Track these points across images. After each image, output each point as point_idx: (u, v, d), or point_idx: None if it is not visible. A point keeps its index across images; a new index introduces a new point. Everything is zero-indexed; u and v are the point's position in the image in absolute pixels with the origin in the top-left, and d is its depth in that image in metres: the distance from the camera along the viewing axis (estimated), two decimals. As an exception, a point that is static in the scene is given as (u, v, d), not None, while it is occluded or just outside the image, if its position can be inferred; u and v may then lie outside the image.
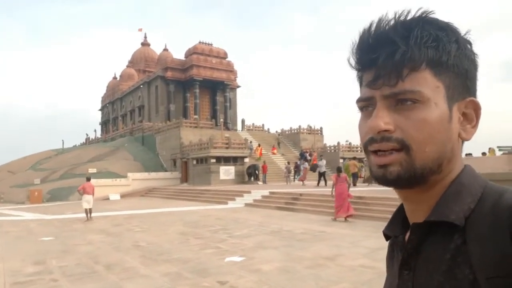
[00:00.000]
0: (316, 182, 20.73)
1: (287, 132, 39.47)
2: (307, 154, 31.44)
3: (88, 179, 13.93)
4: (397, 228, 0.64)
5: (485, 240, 0.50)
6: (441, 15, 0.58)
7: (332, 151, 32.10)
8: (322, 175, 20.54)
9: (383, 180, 0.56)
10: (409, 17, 0.57)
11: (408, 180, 0.55)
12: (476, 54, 0.59)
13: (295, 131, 38.48)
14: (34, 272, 6.00)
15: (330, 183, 19.36)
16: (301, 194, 15.39)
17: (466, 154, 14.36)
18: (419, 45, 0.54)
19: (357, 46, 0.59)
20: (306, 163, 23.36)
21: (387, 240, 0.69)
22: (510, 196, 0.52)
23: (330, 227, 9.68)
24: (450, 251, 0.53)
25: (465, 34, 0.58)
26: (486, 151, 17.79)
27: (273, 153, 32.97)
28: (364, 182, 20.13)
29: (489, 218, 0.51)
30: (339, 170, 11.35)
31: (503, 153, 17.89)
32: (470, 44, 0.59)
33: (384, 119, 0.55)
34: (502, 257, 0.48)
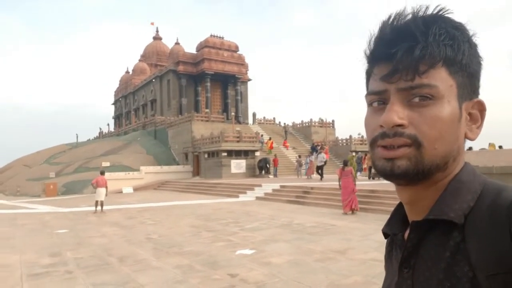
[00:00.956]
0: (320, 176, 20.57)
1: (298, 126, 39.29)
2: (319, 148, 31.34)
3: (102, 173, 14.18)
4: (396, 226, 0.64)
5: (485, 238, 0.50)
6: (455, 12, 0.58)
7: (344, 144, 31.90)
8: (319, 168, 20.44)
9: (389, 174, 0.56)
10: (426, 14, 0.57)
11: (415, 175, 0.55)
12: (481, 57, 0.60)
13: (307, 124, 38.28)
14: (49, 264, 6.13)
15: (329, 176, 19.30)
16: (312, 188, 15.37)
17: (468, 148, 14.16)
18: (438, 41, 0.54)
19: (376, 39, 0.59)
20: (312, 156, 23.24)
21: (386, 238, 0.69)
22: (509, 194, 0.52)
23: (341, 221, 9.66)
24: (449, 248, 0.53)
25: (472, 36, 0.58)
26: (486, 146, 17.50)
27: (285, 146, 32.85)
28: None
29: (488, 215, 0.51)
30: (344, 163, 11.38)
31: None
32: (477, 46, 0.59)
33: (398, 114, 0.54)
34: (502, 254, 0.48)
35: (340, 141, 33.23)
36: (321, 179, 19.73)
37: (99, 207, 13.64)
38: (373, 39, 0.59)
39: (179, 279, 5.06)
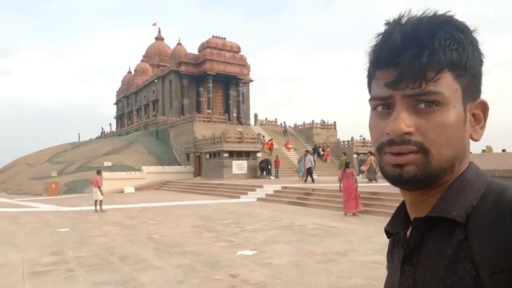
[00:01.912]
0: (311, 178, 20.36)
1: (300, 127, 39.26)
2: (320, 149, 31.28)
3: (97, 172, 14.28)
4: (398, 224, 0.65)
5: (488, 236, 0.50)
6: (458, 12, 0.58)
7: (346, 146, 31.86)
8: (308, 171, 20.37)
9: (398, 180, 0.56)
10: (431, 17, 0.56)
11: (424, 181, 0.55)
12: (483, 54, 0.59)
13: (308, 125, 38.26)
14: (51, 262, 6.15)
15: (330, 178, 19.12)
16: (313, 189, 15.35)
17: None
18: (444, 47, 0.54)
19: (380, 45, 0.58)
20: (307, 158, 23.21)
21: (388, 237, 0.69)
22: None
23: (342, 223, 9.65)
24: (451, 246, 0.53)
25: (473, 32, 0.57)
26: (484, 148, 17.50)
27: (287, 148, 32.79)
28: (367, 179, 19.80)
29: (492, 213, 0.52)
30: (346, 165, 11.45)
31: None
32: (479, 43, 0.58)
33: (405, 122, 0.54)
34: (505, 252, 0.48)
35: (342, 143, 33.18)
36: (311, 181, 19.58)
37: (98, 206, 13.70)
38: (377, 43, 0.58)
39: (180, 279, 5.07)
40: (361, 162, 23.60)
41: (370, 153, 18.62)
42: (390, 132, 0.55)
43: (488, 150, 16.04)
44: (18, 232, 9.45)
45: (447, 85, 0.54)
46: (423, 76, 0.53)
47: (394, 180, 0.56)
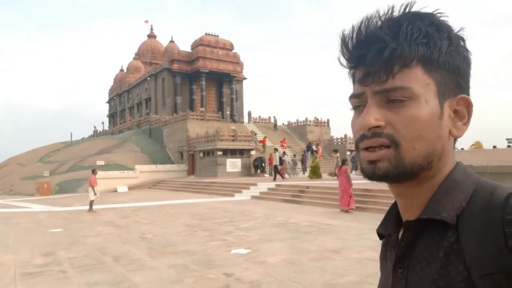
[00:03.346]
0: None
1: (293, 125, 39.36)
2: (314, 146, 31.38)
3: (92, 172, 14.21)
4: (390, 226, 0.64)
5: (478, 237, 0.50)
6: (450, 9, 0.57)
7: (339, 143, 31.99)
8: (274, 168, 20.65)
9: (372, 176, 0.57)
10: (400, 12, 0.56)
11: (396, 176, 0.55)
12: (469, 51, 0.59)
13: (302, 123, 38.36)
14: (43, 264, 6.09)
15: (324, 175, 19.42)
16: (307, 187, 15.40)
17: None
18: (409, 41, 0.54)
19: (345, 44, 0.59)
20: (286, 156, 23.54)
21: (381, 239, 0.69)
22: (502, 192, 0.51)
23: (336, 220, 9.68)
24: (443, 248, 0.53)
25: (458, 31, 0.58)
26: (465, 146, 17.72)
27: (283, 146, 32.75)
28: (329, 175, 20.17)
29: (482, 214, 0.51)
30: (342, 162, 11.57)
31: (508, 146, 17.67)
32: (464, 40, 0.58)
33: (374, 116, 0.55)
34: (496, 253, 0.48)
35: (335, 140, 33.32)
36: (274, 179, 19.93)
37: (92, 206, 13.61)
38: (343, 44, 0.59)
39: (174, 279, 5.05)
40: (354, 159, 23.80)
41: (335, 151, 19.53)
42: (360, 126, 0.56)
43: (477, 146, 16.16)
44: (9, 233, 9.35)
45: (416, 79, 0.54)
46: (388, 71, 0.54)
47: (368, 176, 0.57)
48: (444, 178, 0.57)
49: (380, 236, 0.68)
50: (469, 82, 0.59)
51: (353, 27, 0.58)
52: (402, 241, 0.58)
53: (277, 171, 20.50)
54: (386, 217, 0.66)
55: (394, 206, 0.65)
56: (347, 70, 0.63)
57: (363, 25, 0.57)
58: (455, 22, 0.57)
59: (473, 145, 16.87)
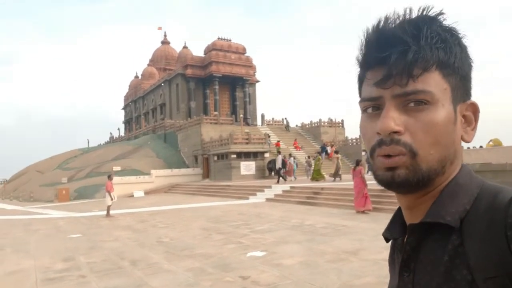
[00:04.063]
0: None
1: (307, 126, 39.17)
2: (328, 148, 31.16)
3: (108, 177, 14.40)
4: (396, 230, 0.64)
5: (482, 241, 0.50)
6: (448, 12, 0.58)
7: (354, 144, 31.71)
8: (278, 171, 20.66)
9: (390, 183, 0.55)
10: (416, 15, 0.56)
11: (416, 183, 0.54)
12: (472, 59, 0.60)
13: (316, 124, 38.15)
14: (63, 269, 6.20)
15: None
16: (322, 188, 15.31)
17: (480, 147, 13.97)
18: (430, 45, 0.54)
19: (366, 44, 0.58)
20: (292, 158, 23.51)
21: (387, 242, 0.69)
22: (505, 196, 0.51)
23: (352, 221, 9.60)
24: (448, 252, 0.53)
25: (462, 38, 0.58)
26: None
27: (296, 148, 32.67)
28: (330, 176, 20.08)
29: (485, 218, 0.51)
30: (356, 163, 11.50)
31: None
32: (467, 48, 0.59)
33: (395, 120, 0.54)
34: (499, 256, 0.48)
35: (350, 141, 33.03)
36: (278, 181, 20.24)
37: (111, 211, 13.81)
38: (364, 44, 0.58)
39: (191, 282, 5.08)
40: (369, 160, 23.58)
41: (318, 153, 19.53)
42: (380, 130, 0.55)
43: (495, 143, 15.78)
44: (30, 239, 9.56)
45: (435, 83, 0.54)
46: (410, 73, 0.54)
47: (386, 183, 0.56)
48: (449, 182, 0.57)
49: (386, 240, 0.68)
50: (471, 88, 0.60)
51: (372, 27, 0.57)
52: (407, 245, 0.58)
53: (279, 174, 20.56)
54: (392, 221, 0.66)
55: (399, 210, 0.65)
56: (352, 72, 0.63)
57: (382, 26, 0.56)
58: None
59: (490, 141, 16.49)
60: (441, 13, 0.57)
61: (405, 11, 0.56)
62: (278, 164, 20.98)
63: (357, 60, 0.61)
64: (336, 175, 19.22)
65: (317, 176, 20.01)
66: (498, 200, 0.52)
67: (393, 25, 0.56)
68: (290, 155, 24.19)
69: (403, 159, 0.54)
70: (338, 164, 19.36)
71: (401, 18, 0.56)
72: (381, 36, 0.56)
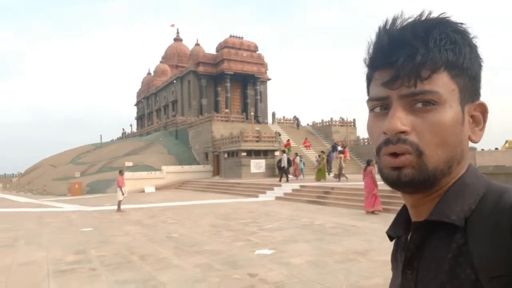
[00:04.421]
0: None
1: (318, 125, 39.01)
2: (339, 147, 30.98)
3: (119, 172, 14.59)
4: (400, 228, 0.65)
5: (487, 240, 0.50)
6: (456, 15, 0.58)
7: (366, 143, 31.48)
8: (282, 170, 20.62)
9: (397, 182, 0.56)
10: (426, 17, 0.57)
11: (422, 183, 0.55)
12: (482, 59, 0.59)
13: (327, 123, 37.96)
14: (74, 261, 6.31)
15: (351, 177, 19.12)
16: (332, 188, 15.24)
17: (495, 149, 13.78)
18: (439, 47, 0.54)
19: (375, 46, 0.59)
20: (298, 157, 23.42)
21: (391, 241, 0.69)
22: (511, 196, 0.52)
23: (362, 221, 9.54)
24: (452, 251, 0.53)
25: (472, 38, 0.58)
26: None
27: (306, 146, 32.59)
28: (334, 177, 19.97)
29: (490, 218, 0.51)
30: (367, 163, 11.46)
31: None
32: (478, 48, 0.59)
33: (402, 120, 0.54)
34: (504, 256, 0.48)
35: (361, 140, 32.81)
36: (280, 179, 20.33)
37: (122, 206, 13.99)
38: (371, 46, 0.59)
39: (199, 278, 5.12)
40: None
41: (323, 152, 19.54)
42: (386, 130, 0.55)
43: (510, 145, 15.55)
44: (42, 232, 9.73)
45: (443, 84, 0.55)
46: (418, 75, 0.54)
47: (392, 183, 0.56)
48: (455, 181, 0.58)
49: (390, 238, 0.68)
50: (480, 88, 0.60)
51: (380, 29, 0.58)
52: (411, 243, 0.58)
53: (283, 172, 20.60)
54: (396, 219, 0.67)
55: (404, 209, 0.65)
56: (362, 72, 0.63)
57: (390, 27, 0.57)
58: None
59: (506, 142, 16.24)
60: (449, 16, 0.57)
61: (414, 14, 0.57)
62: (283, 163, 20.96)
63: (365, 62, 0.61)
64: (339, 175, 19.07)
65: (319, 176, 19.92)
66: (503, 200, 0.52)
67: (402, 27, 0.56)
68: (297, 154, 24.12)
69: (410, 158, 0.54)
70: (340, 164, 19.26)
71: (411, 20, 0.56)
72: (389, 39, 0.56)
